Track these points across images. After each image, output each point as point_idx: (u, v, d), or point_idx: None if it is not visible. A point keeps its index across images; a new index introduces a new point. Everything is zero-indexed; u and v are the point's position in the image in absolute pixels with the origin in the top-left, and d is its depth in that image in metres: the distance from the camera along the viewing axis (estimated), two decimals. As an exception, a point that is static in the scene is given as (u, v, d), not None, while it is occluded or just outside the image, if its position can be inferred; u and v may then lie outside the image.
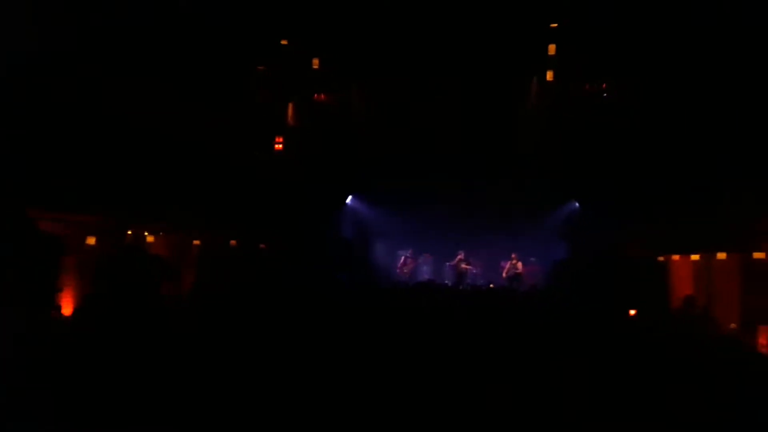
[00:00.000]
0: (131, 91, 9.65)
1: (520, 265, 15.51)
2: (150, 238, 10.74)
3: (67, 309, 7.71)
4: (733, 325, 8.48)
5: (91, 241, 9.50)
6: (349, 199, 16.70)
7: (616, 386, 3.65)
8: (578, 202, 15.47)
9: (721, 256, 10.52)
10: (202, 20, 10.66)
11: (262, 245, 13.79)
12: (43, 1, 8.25)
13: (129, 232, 10.32)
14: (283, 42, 12.63)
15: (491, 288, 14.27)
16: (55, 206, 8.58)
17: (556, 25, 12.66)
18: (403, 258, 16.39)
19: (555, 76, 13.64)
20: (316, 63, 13.01)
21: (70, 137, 8.77)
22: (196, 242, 12.18)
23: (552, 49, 12.74)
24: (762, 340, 7.93)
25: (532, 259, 16.30)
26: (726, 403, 3.52)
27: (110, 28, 9.26)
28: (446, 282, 15.90)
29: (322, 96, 14.34)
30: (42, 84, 8.30)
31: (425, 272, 16.49)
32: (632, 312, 10.19)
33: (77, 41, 8.70)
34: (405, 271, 16.20)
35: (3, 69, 7.58)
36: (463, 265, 15.91)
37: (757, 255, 9.55)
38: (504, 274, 15.55)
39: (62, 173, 8.51)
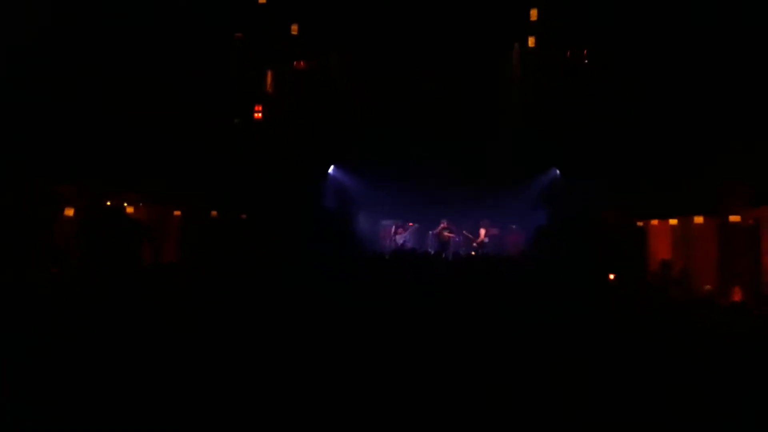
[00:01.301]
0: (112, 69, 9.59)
1: (482, 232, 15.87)
2: (129, 209, 10.62)
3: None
4: (708, 287, 8.66)
5: (69, 212, 9.38)
6: (331, 169, 16.60)
7: (611, 380, 3.69)
8: (558, 170, 15.56)
9: (699, 220, 10.68)
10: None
11: (242, 216, 13.71)
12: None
13: (108, 204, 10.21)
14: (261, 1, 12.30)
15: (472, 255, 14.43)
16: (33, 176, 8.50)
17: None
18: (393, 227, 16.50)
19: (536, 43, 13.55)
20: (295, 29, 12.75)
21: (51, 112, 8.71)
22: (177, 213, 12.09)
23: (533, 14, 12.62)
24: (736, 299, 8.13)
25: (513, 226, 16.44)
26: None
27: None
28: (429, 250, 16.01)
29: (302, 64, 14.11)
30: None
31: (408, 241, 16.58)
32: (611, 276, 10.38)
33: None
34: (396, 239, 16.33)
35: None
36: (446, 234, 16.03)
37: (733, 218, 9.71)
38: (474, 244, 15.87)
39: (39, 143, 8.43)
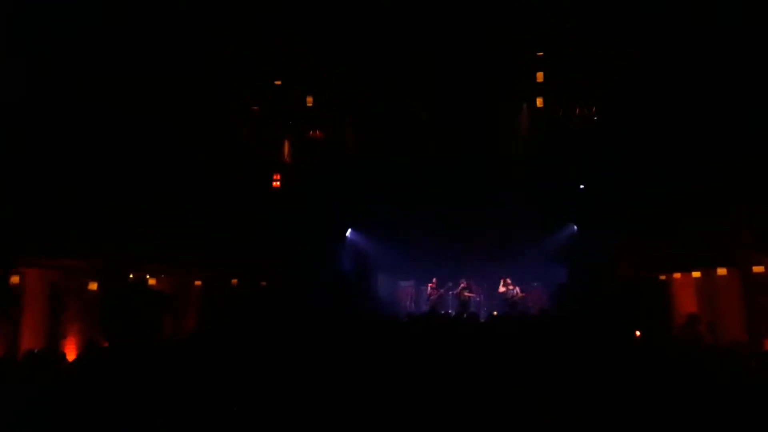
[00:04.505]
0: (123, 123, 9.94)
1: (518, 290, 15.57)
2: (152, 281, 10.75)
3: (71, 355, 7.70)
4: (736, 340, 8.44)
5: (93, 286, 9.50)
6: (348, 233, 16.74)
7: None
8: (575, 225, 15.54)
9: (722, 272, 10.50)
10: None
11: (263, 282, 13.78)
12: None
13: (131, 276, 10.35)
14: (277, 83, 12.89)
15: (495, 315, 14.22)
16: (52, 252, 8.65)
17: (542, 54, 12.86)
18: (428, 288, 16.33)
19: (544, 102, 13.79)
20: (310, 101, 13.18)
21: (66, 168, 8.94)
22: (198, 283, 12.20)
23: (540, 76, 12.93)
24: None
25: (535, 283, 16.28)
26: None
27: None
28: (450, 311, 15.83)
29: (318, 132, 14.47)
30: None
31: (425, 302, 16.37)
32: (637, 333, 10.13)
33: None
34: (432, 300, 16.15)
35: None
36: (466, 293, 15.91)
37: (757, 269, 9.55)
38: (501, 289, 15.59)
39: (58, 217, 8.62)
